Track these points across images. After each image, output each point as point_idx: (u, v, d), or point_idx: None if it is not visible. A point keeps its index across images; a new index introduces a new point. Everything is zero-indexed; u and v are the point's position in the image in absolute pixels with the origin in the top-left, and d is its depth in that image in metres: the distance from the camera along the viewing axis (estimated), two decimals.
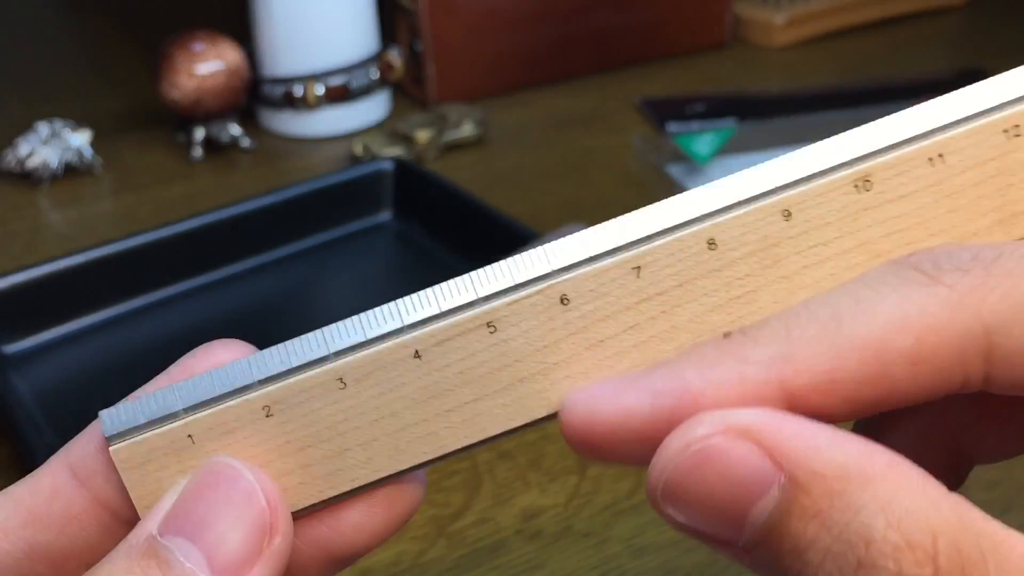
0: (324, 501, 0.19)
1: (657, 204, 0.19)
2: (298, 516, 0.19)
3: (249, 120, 0.74)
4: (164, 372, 0.20)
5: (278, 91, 0.72)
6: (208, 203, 0.62)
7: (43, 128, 0.68)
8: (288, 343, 0.19)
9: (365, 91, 0.73)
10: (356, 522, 0.19)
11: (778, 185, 0.19)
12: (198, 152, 0.70)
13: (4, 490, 0.20)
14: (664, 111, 0.74)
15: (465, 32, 0.76)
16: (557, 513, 0.42)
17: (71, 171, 0.69)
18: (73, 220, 0.65)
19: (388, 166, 0.60)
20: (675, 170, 0.66)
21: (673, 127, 0.71)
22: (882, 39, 0.84)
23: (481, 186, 0.64)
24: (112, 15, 0.98)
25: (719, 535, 0.17)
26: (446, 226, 0.57)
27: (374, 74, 0.74)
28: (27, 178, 0.68)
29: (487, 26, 0.76)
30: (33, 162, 0.67)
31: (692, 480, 0.16)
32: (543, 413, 0.19)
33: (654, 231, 0.19)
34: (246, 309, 0.54)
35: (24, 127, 0.69)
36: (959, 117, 0.19)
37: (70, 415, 0.46)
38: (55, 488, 0.19)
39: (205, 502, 0.18)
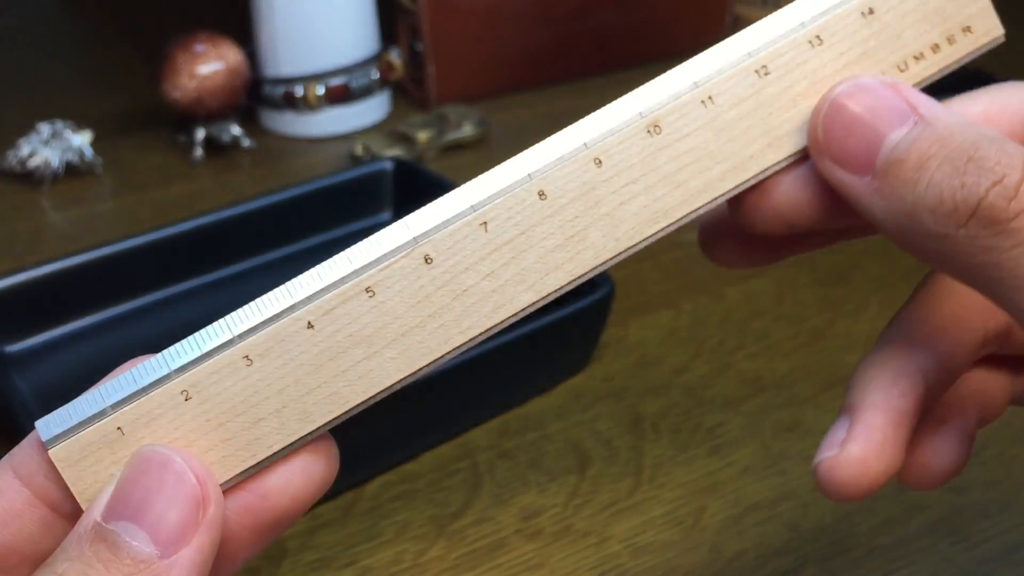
0: (248, 469, 0.21)
1: (493, 169, 0.22)
2: (227, 487, 0.21)
3: (250, 120, 0.74)
4: (93, 387, 0.22)
5: (279, 91, 0.72)
6: (209, 203, 0.63)
7: (44, 128, 0.68)
8: (196, 334, 0.21)
9: (365, 91, 0.73)
10: (280, 487, 0.21)
11: (588, 140, 0.22)
12: (199, 152, 0.70)
13: None
14: None
15: (465, 33, 0.76)
16: (557, 513, 0.42)
17: (72, 171, 0.69)
18: (74, 220, 0.65)
19: (388, 166, 0.60)
20: None
21: None
22: None
23: None
24: (113, 16, 0.98)
25: (857, 162, 0.21)
26: None
27: (374, 74, 0.74)
28: (28, 178, 0.68)
29: (487, 27, 0.77)
30: (34, 162, 0.67)
31: (851, 103, 0.22)
32: (427, 360, 0.22)
33: (494, 192, 0.22)
34: None
35: (25, 127, 0.69)
36: (722, 66, 0.23)
37: None
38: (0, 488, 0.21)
39: (141, 487, 0.20)
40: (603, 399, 0.47)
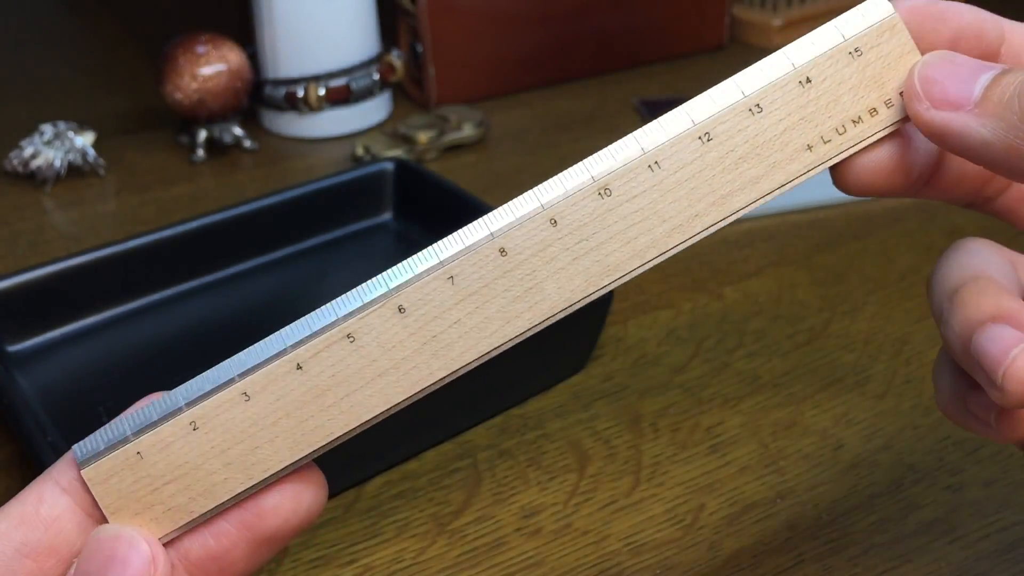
0: (247, 489, 0.24)
1: (459, 231, 0.25)
2: (229, 504, 0.24)
3: (251, 121, 0.75)
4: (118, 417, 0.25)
5: (280, 93, 0.73)
6: (210, 204, 0.63)
7: (47, 129, 0.68)
8: (204, 374, 0.24)
9: (366, 93, 0.74)
10: (273, 507, 0.24)
11: (545, 202, 0.25)
12: (200, 153, 0.71)
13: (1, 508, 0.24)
14: (663, 112, 0.74)
15: (465, 34, 0.76)
16: (556, 511, 0.42)
17: (75, 172, 0.69)
18: (76, 220, 0.65)
19: (389, 167, 0.60)
20: None
21: None
22: None
23: (481, 187, 0.65)
24: (115, 17, 0.99)
25: (956, 100, 0.24)
26: (446, 227, 0.56)
27: (375, 76, 0.74)
28: (31, 179, 0.68)
29: (487, 28, 0.77)
30: (37, 163, 0.67)
31: (942, 58, 0.25)
32: (402, 397, 0.24)
33: (460, 249, 0.24)
34: (248, 309, 0.54)
35: (28, 128, 0.69)
36: (667, 133, 0.25)
37: (74, 414, 0.46)
38: (42, 496, 0.24)
39: (99, 559, 0.23)
40: (602, 398, 0.48)
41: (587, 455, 0.45)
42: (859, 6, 0.25)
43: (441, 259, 0.25)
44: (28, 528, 0.24)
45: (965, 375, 0.26)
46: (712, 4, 0.84)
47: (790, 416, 0.46)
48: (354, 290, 0.25)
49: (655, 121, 0.25)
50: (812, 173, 0.26)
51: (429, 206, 0.59)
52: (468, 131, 0.71)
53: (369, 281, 0.25)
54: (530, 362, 0.47)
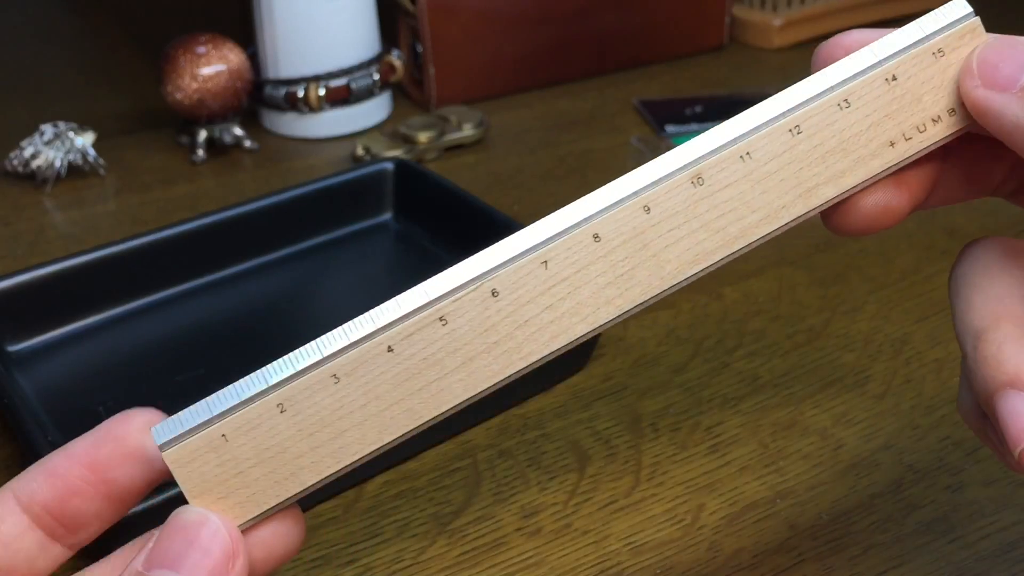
0: (335, 473, 0.24)
1: (551, 215, 0.24)
2: (314, 488, 0.24)
3: (251, 122, 0.75)
4: (87, 434, 0.24)
5: (280, 93, 0.73)
6: (211, 204, 0.63)
7: (47, 129, 0.68)
8: (289, 355, 0.24)
9: (367, 93, 0.74)
10: (257, 542, 0.24)
11: (638, 189, 0.25)
12: (201, 153, 0.71)
13: None
14: (662, 113, 0.74)
15: (465, 34, 0.76)
16: (556, 511, 0.42)
17: (75, 172, 0.69)
18: (77, 221, 0.65)
19: (389, 167, 0.60)
20: None
21: (671, 128, 0.72)
22: None
23: (481, 187, 0.65)
24: (116, 17, 0.99)
25: (1007, 82, 0.25)
26: (446, 227, 0.58)
27: (375, 76, 0.74)
28: (31, 179, 0.68)
29: (487, 29, 0.77)
30: (37, 163, 0.67)
31: (998, 43, 0.26)
32: (491, 383, 0.24)
33: (554, 233, 0.24)
34: (248, 309, 0.54)
35: (29, 128, 0.69)
36: (758, 123, 0.25)
37: (74, 414, 0.46)
38: (2, 515, 0.23)
39: (180, 540, 0.23)
40: (602, 398, 0.48)
41: (587, 455, 0.45)
42: (941, 7, 0.26)
43: (536, 242, 0.24)
44: None
45: None
46: (712, 4, 0.84)
47: (790, 416, 0.46)
48: (447, 271, 0.24)
49: (746, 112, 0.26)
50: (893, 168, 0.26)
51: (429, 206, 0.59)
52: (468, 131, 0.71)
53: (462, 263, 0.24)
54: None
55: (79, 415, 0.46)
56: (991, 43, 0.26)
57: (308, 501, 0.42)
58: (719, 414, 0.47)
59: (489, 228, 0.54)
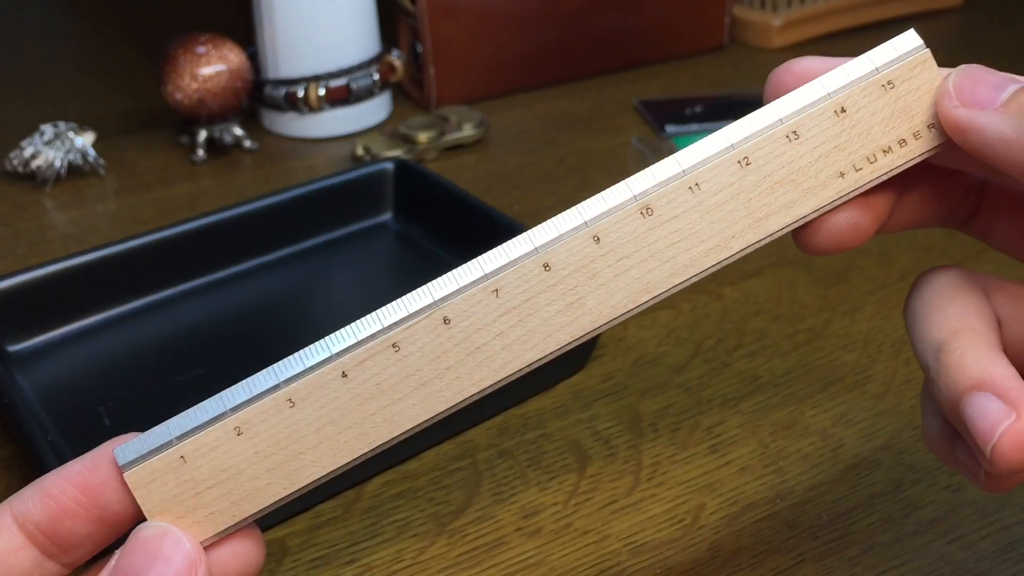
0: (289, 495, 0.24)
1: (503, 244, 0.25)
2: (269, 510, 0.24)
3: (251, 122, 0.75)
4: (85, 455, 0.25)
5: (280, 93, 0.73)
6: (211, 204, 0.63)
7: (47, 129, 0.68)
8: (247, 380, 0.24)
9: (366, 93, 0.74)
10: (223, 561, 0.25)
11: (588, 219, 0.25)
12: (201, 153, 0.71)
13: None
14: (662, 113, 0.74)
15: (465, 34, 0.76)
16: (556, 511, 0.42)
17: (75, 172, 0.69)
18: (77, 221, 0.65)
19: (389, 167, 0.60)
20: None
21: (671, 128, 0.72)
22: (879, 41, 0.84)
23: (481, 187, 0.65)
24: (116, 18, 0.99)
25: (984, 102, 0.25)
26: (446, 227, 0.58)
27: (375, 76, 0.74)
28: (31, 179, 0.68)
29: (487, 28, 0.77)
30: (37, 163, 0.67)
31: (973, 68, 0.26)
32: (443, 408, 0.25)
33: (505, 263, 0.25)
34: (248, 309, 0.54)
35: (29, 129, 0.69)
36: (707, 156, 0.26)
37: (74, 414, 0.46)
38: None
39: (141, 554, 0.24)
40: (602, 398, 0.48)
41: (587, 455, 0.45)
42: (892, 40, 0.27)
43: (486, 272, 0.25)
44: None
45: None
46: (712, 4, 0.84)
47: (790, 416, 0.46)
48: (400, 299, 0.25)
49: (695, 144, 0.26)
50: (844, 199, 0.27)
51: (429, 206, 0.59)
52: (468, 131, 0.71)
53: (415, 291, 0.25)
54: None
55: (79, 415, 0.46)
56: (964, 69, 0.27)
57: (308, 501, 0.42)
58: (719, 414, 0.47)
59: (489, 228, 0.54)
